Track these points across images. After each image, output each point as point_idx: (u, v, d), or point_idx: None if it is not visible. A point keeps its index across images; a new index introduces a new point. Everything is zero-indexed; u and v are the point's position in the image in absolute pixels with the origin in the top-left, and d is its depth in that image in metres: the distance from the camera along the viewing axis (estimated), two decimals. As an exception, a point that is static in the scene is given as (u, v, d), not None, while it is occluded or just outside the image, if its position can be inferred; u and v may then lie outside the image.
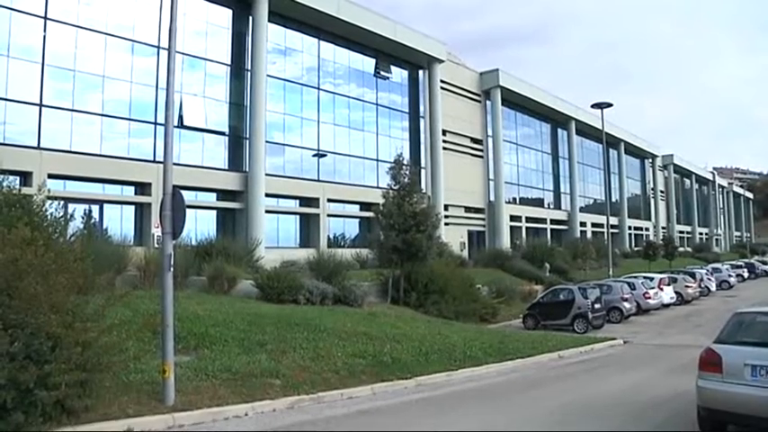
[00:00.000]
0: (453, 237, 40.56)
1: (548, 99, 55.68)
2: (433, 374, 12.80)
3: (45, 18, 24.76)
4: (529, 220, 53.35)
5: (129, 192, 26.91)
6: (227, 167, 30.70)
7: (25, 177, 21.54)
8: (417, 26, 39.64)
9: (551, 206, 59.17)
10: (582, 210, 61.32)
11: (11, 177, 12.52)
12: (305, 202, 34.06)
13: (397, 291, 22.75)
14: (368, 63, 39.61)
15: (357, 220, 38.20)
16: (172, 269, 8.91)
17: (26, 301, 7.00)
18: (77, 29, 25.71)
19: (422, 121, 43.11)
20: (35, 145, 23.70)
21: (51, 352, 7.02)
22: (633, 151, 75.23)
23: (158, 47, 27.59)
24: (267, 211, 30.56)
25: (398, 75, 42.19)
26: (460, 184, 44.49)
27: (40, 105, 24.30)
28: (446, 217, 38.84)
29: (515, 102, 52.67)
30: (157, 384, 9.07)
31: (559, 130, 61.29)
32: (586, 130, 61.58)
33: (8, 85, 23.45)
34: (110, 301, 8.37)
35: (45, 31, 24.78)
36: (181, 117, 27.53)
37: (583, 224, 60.19)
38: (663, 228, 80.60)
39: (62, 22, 25.24)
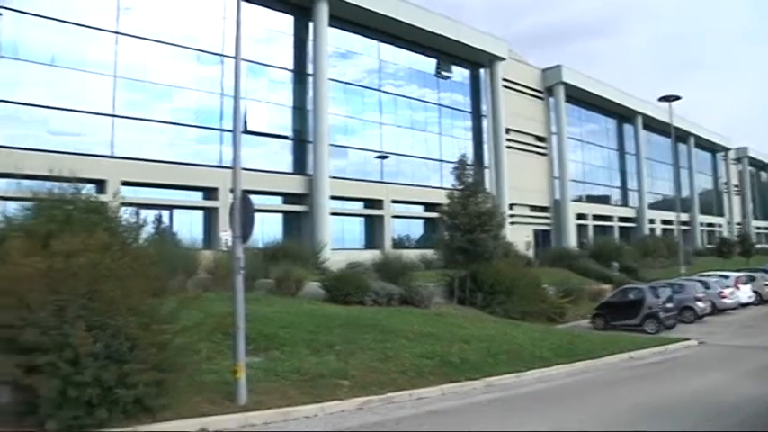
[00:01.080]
0: (518, 236, 40.00)
1: (613, 94, 54.24)
2: (501, 375, 12.64)
3: (116, 33, 25.71)
4: (596, 217, 52.05)
5: (197, 197, 27.59)
6: (291, 171, 31.15)
7: (100, 185, 22.29)
8: (478, 24, 39.46)
9: (618, 203, 57.67)
10: (651, 206, 59.45)
11: (87, 185, 12.91)
12: (369, 203, 34.21)
13: (462, 291, 22.61)
14: (428, 63, 39.52)
15: (421, 221, 38.06)
16: (242, 272, 9.07)
17: (106, 304, 7.27)
18: (146, 41, 26.58)
19: (484, 120, 42.75)
20: (109, 154, 24.60)
21: (130, 352, 7.27)
22: (704, 145, 72.46)
23: (222, 55, 28.36)
24: (332, 214, 30.83)
25: (460, 74, 41.93)
26: (525, 183, 43.90)
27: (113, 116, 25.22)
28: (511, 216, 38.34)
29: (579, 98, 51.50)
30: (229, 384, 9.23)
31: (625, 126, 59.61)
32: (654, 125, 59.72)
33: (84, 98, 24.46)
34: (183, 304, 8.58)
35: (116, 45, 25.71)
36: (246, 123, 28.04)
37: (652, 221, 58.45)
38: (738, 224, 77.46)
39: (132, 35, 26.15)
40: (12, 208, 11.90)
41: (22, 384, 6.94)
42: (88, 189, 13.27)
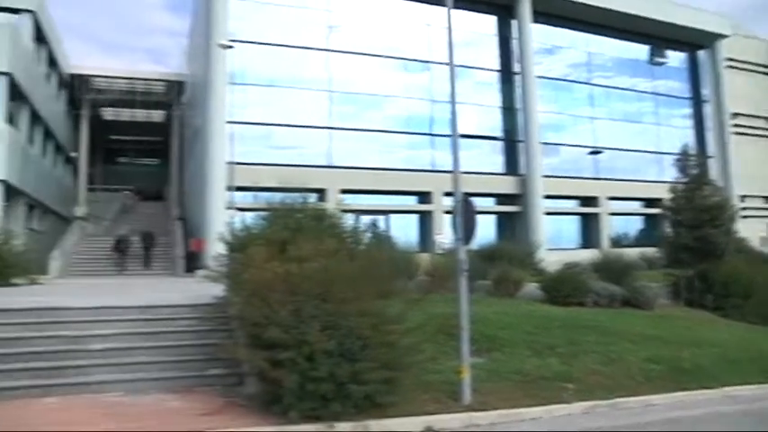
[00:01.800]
0: (752, 231, 36.28)
1: None
2: (743, 385, 11.51)
3: (327, 50, 27.46)
4: None
5: (411, 201, 28.46)
6: (503, 172, 31.11)
7: (320, 194, 23.79)
8: (694, 2, 36.06)
9: None
10: None
11: (310, 195, 13.85)
12: (584, 201, 33.13)
13: (690, 292, 21.00)
14: (640, 50, 37.38)
15: (640, 218, 36.04)
16: (466, 274, 9.16)
17: (337, 305, 7.72)
18: (355, 55, 28.05)
19: (706, 106, 39.38)
20: (327, 164, 26.23)
21: (361, 351, 7.66)
22: None
23: (429, 62, 29.05)
24: (546, 213, 30.31)
25: (675, 58, 39.19)
26: (758, 172, 39.67)
27: (329, 128, 26.89)
28: (742, 209, 34.98)
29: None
30: (453, 384, 9.35)
31: None
32: None
33: (302, 114, 26.39)
34: (409, 305, 8.87)
35: (328, 61, 27.43)
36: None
37: None
38: None
39: (341, 51, 27.78)
40: (249, 218, 13.15)
41: (268, 377, 7.58)
42: (309, 198, 14.26)
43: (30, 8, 29.17)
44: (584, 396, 10.00)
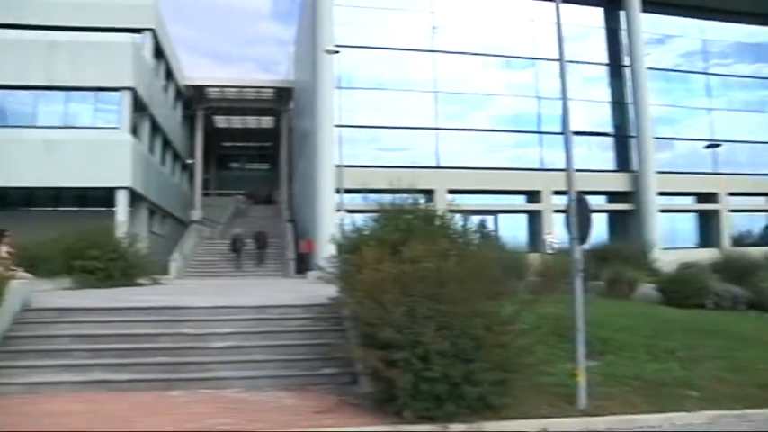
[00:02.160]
0: None
1: None
2: None
3: (431, 51, 27.53)
4: None
5: (519, 200, 28.09)
6: (614, 169, 30.15)
7: (428, 194, 23.85)
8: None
9: None
10: None
11: (418, 196, 13.92)
12: (701, 197, 31.55)
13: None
14: (761, 33, 35.01)
15: (765, 215, 33.89)
16: (581, 274, 8.95)
17: (450, 306, 7.72)
18: (459, 55, 27.98)
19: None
20: (434, 165, 26.28)
21: (475, 352, 7.61)
22: None
23: (534, 59, 28.61)
24: (660, 211, 29.15)
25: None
26: None
27: (436, 129, 26.94)
28: None
29: None
30: (567, 387, 9.13)
31: None
32: None
33: (409, 115, 26.58)
34: (522, 306, 8.76)
35: (433, 62, 27.50)
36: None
37: None
38: None
39: (445, 51, 27.78)
40: (359, 219, 13.37)
41: (381, 376, 7.67)
42: (418, 199, 14.33)
43: (150, 27, 30.94)
44: (708, 405, 9.47)
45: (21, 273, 13.42)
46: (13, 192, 26.80)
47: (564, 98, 9.36)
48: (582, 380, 8.84)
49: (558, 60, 9.77)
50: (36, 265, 16.09)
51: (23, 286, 11.30)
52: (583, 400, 8.82)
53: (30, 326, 10.34)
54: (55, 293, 14.11)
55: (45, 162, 24.95)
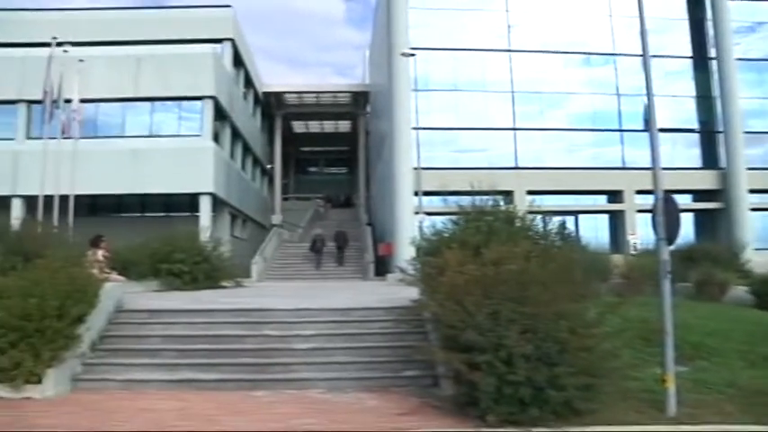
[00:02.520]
0: None
1: None
2: None
3: (508, 51, 27.22)
4: None
5: (600, 201, 27.45)
6: (700, 166, 29.00)
7: (507, 196, 23.59)
8: None
9: None
10: None
11: (498, 197, 13.79)
12: (797, 195, 29.93)
13: None
14: None
15: None
16: (669, 276, 8.67)
17: (533, 308, 7.61)
18: (535, 53, 27.59)
19: None
20: (513, 165, 25.98)
21: (559, 355, 7.47)
22: None
23: (614, 54, 27.89)
24: (751, 209, 27.84)
25: None
26: None
27: (514, 129, 26.62)
28: None
29: None
30: (654, 393, 8.83)
31: None
32: None
33: (485, 116, 26.38)
34: (608, 309, 8.55)
35: (510, 62, 27.19)
36: (646, 120, 26.98)
37: None
38: None
39: (522, 50, 27.41)
40: (438, 222, 13.36)
41: (464, 379, 7.62)
42: (497, 200, 14.20)
43: (229, 37, 31.86)
44: (812, 416, 9.00)
45: (114, 276, 14.04)
46: (103, 199, 28.08)
47: (649, 94, 9.08)
48: (671, 386, 8.54)
49: (640, 56, 9.51)
50: (126, 268, 16.77)
51: (117, 288, 11.82)
52: (673, 408, 8.52)
53: (123, 326, 10.84)
54: (144, 295, 14.70)
55: (132, 170, 26.06)
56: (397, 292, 13.81)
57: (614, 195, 27.41)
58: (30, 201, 24.02)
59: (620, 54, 27.89)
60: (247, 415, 7.93)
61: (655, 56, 28.14)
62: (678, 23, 30.53)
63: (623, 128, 27.96)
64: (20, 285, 9.32)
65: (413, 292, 11.70)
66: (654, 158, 8.80)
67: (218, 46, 30.84)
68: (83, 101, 23.64)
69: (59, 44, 23.32)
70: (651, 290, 10.87)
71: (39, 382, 8.76)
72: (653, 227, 8.80)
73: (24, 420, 7.62)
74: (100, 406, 8.30)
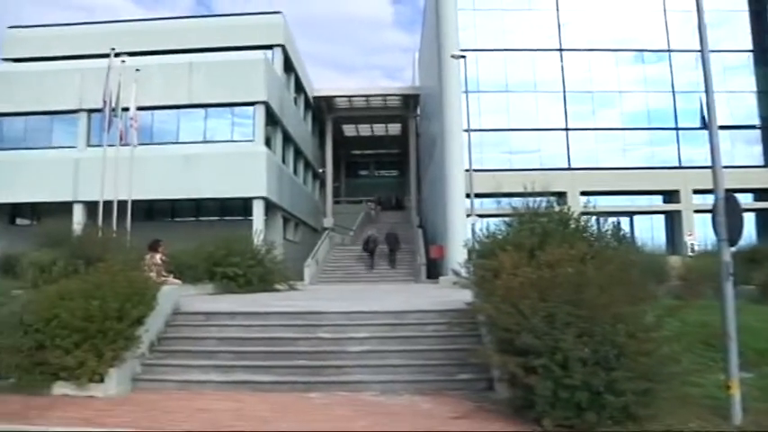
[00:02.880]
0: None
1: None
2: None
3: (559, 50, 26.88)
4: None
5: (656, 201, 26.88)
6: (762, 164, 28.04)
7: (561, 197, 23.31)
8: None
9: None
10: None
11: (552, 199, 13.64)
12: None
13: None
14: None
15: None
16: (732, 278, 8.41)
17: (590, 311, 7.48)
18: (587, 52, 27.17)
19: None
20: (565, 166, 25.64)
21: (617, 360, 7.33)
22: None
23: (669, 50, 27.25)
24: (820, 208, 26.82)
25: None
26: None
27: (566, 129, 26.26)
28: None
29: None
30: (717, 400, 8.57)
31: None
32: None
33: (537, 117, 26.10)
34: (668, 312, 8.35)
35: (561, 61, 26.85)
36: (703, 118, 26.37)
37: None
38: None
39: (573, 49, 27.05)
40: (491, 224, 13.26)
41: (519, 383, 7.55)
42: (550, 201, 14.02)
43: (279, 43, 32.30)
44: None
45: (171, 279, 14.35)
46: (159, 204, 28.75)
47: (708, 90, 8.84)
48: (736, 393, 8.28)
49: (697, 51, 9.28)
50: (182, 271, 17.12)
51: (173, 291, 12.10)
52: (738, 415, 8.25)
53: (180, 328, 11.11)
54: (199, 298, 15.00)
55: (186, 175, 26.64)
56: (450, 294, 13.75)
57: (670, 195, 26.78)
58: (90, 206, 24.80)
59: (674, 50, 27.25)
60: (301, 416, 8.02)
61: (713, 50, 27.65)
62: (738, 15, 29.60)
63: (679, 126, 27.30)
64: (82, 288, 9.65)
65: (466, 295, 11.63)
66: (714, 157, 8.56)
67: (269, 52, 31.27)
68: (139, 108, 24.28)
69: (117, 55, 24.03)
70: (711, 292, 10.55)
71: (101, 381, 9.10)
72: (713, 227, 8.55)
73: (96, 420, 7.86)
74: (159, 405, 8.53)
